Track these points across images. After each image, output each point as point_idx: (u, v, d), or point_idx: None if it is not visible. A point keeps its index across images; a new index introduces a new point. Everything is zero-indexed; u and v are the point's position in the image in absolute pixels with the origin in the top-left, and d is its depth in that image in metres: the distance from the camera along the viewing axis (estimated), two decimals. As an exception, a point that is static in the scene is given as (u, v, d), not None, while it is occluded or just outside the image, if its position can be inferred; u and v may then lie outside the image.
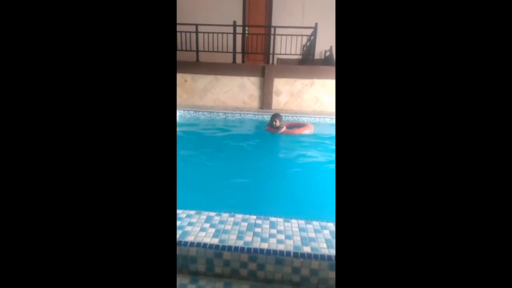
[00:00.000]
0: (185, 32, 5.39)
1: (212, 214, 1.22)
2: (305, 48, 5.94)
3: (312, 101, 5.43)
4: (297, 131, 3.64)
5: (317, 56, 6.00)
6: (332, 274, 0.96)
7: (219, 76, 5.46)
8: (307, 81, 5.33)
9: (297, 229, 1.13)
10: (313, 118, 4.59)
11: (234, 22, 5.40)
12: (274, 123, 3.52)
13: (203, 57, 5.67)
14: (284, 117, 3.80)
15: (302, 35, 5.50)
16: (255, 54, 6.00)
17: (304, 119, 4.54)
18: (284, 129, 3.53)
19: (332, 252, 0.99)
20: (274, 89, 5.39)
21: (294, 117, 4.56)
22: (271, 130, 3.61)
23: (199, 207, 1.27)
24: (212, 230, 1.09)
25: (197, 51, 5.55)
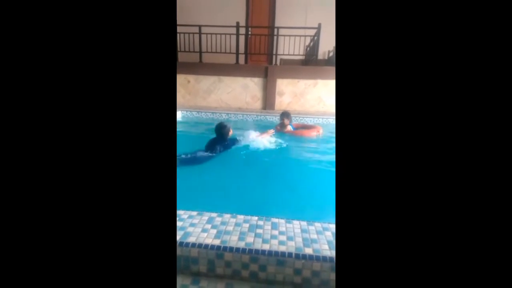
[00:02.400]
0: (189, 33, 5.42)
1: (213, 215, 1.22)
2: (308, 49, 5.93)
3: (315, 101, 5.41)
4: (305, 132, 3.49)
5: (320, 56, 5.98)
6: (334, 276, 0.96)
7: (222, 77, 5.48)
8: (310, 82, 5.32)
9: (299, 230, 1.12)
10: (316, 119, 4.57)
11: (237, 23, 5.41)
12: (282, 121, 3.37)
13: (206, 58, 5.69)
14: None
15: (305, 36, 5.48)
16: (258, 55, 6.00)
17: (307, 120, 4.52)
18: (288, 128, 3.41)
19: (334, 253, 0.98)
20: (277, 89, 5.38)
21: (298, 118, 4.54)
22: (278, 129, 3.42)
23: (201, 208, 1.27)
24: (214, 231, 1.09)
25: (200, 52, 5.57)
